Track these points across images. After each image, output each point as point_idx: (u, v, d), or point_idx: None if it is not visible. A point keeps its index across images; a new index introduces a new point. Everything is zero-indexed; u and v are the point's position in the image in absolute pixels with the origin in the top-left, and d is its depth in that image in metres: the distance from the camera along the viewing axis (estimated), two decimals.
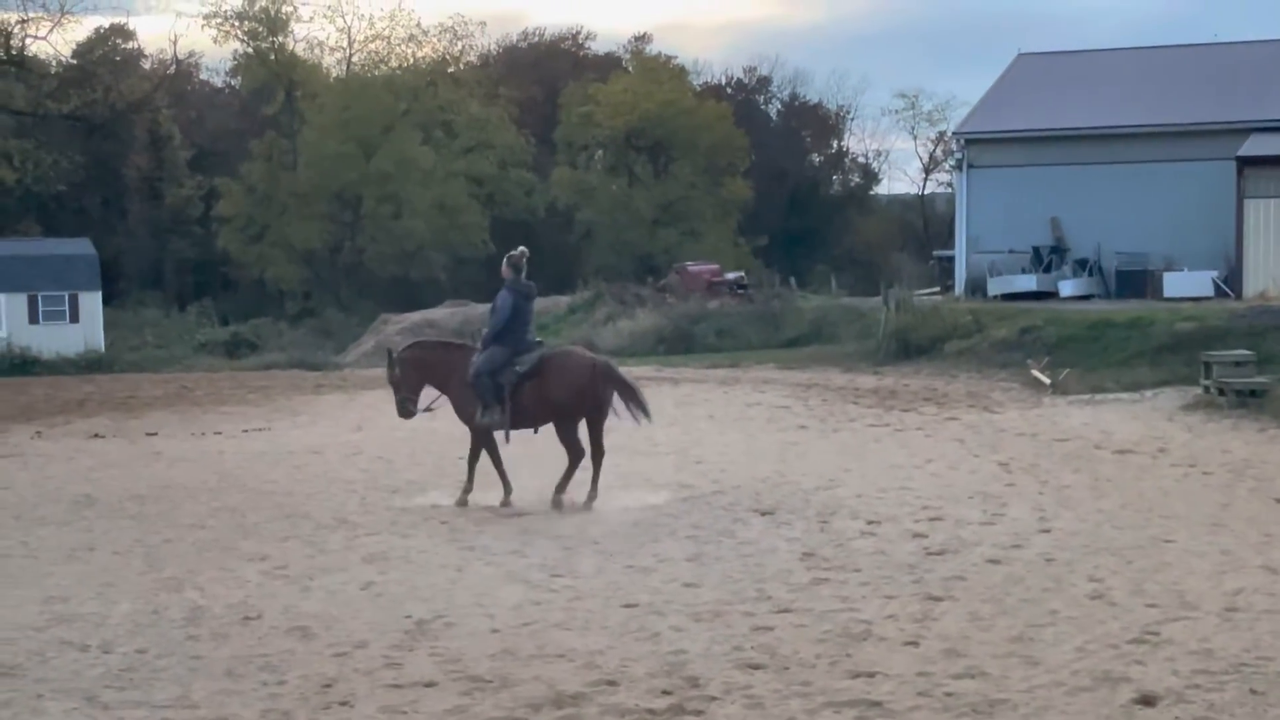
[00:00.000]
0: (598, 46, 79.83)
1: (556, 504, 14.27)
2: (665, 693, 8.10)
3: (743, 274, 47.48)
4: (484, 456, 14.74)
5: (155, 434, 22.17)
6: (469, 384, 14.52)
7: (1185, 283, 32.83)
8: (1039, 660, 8.59)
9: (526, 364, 14.47)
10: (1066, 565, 11.24)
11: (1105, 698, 7.85)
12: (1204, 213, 34.01)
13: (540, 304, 46.58)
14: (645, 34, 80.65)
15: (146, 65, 68.26)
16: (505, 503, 14.38)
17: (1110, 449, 17.92)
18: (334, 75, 68.55)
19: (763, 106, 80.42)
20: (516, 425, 14.53)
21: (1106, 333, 27.56)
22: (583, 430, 14.63)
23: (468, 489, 14.55)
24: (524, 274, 14.63)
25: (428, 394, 15.10)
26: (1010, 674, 8.32)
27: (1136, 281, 34.22)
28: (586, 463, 14.54)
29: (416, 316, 47.06)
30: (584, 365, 14.75)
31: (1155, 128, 35.99)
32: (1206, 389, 21.70)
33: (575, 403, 14.52)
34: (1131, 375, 24.45)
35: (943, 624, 9.50)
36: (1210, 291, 32.36)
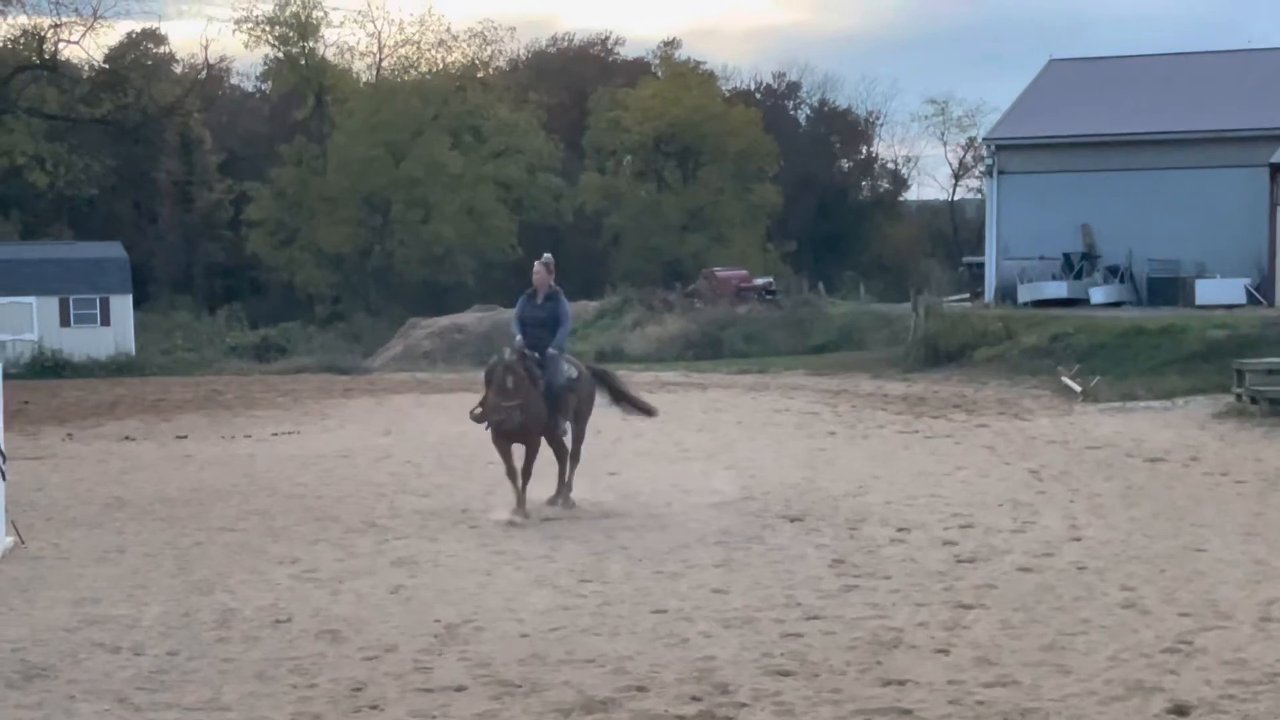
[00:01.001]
0: (627, 52, 79.94)
1: (568, 504, 14.38)
2: (695, 699, 8.08)
3: (771, 280, 47.44)
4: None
5: (185, 437, 22.26)
6: (550, 394, 14.24)
7: (1217, 290, 32.66)
8: (1071, 669, 8.54)
9: (572, 370, 14.58)
10: (1098, 574, 11.18)
11: (1138, 707, 7.79)
12: (1236, 219, 33.82)
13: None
14: (674, 39, 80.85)
15: (178, 70, 68.63)
16: (523, 513, 14.16)
17: (1142, 457, 17.82)
18: (364, 80, 68.76)
19: (792, 112, 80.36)
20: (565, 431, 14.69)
21: (1138, 340, 27.43)
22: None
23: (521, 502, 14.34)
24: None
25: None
26: (1042, 683, 8.27)
27: (1168, 288, 34.05)
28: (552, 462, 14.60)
29: (445, 321, 47.17)
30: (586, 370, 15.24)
31: (1187, 134, 35.82)
32: (1239, 397, 21.55)
33: (592, 404, 15.02)
34: (1163, 383, 24.31)
35: (974, 632, 9.46)
36: (1243, 299, 32.17)
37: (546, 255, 15.04)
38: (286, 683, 8.52)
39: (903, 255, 70.00)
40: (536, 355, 14.19)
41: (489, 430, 14.23)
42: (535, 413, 14.12)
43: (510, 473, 14.20)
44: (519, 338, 14.32)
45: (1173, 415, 21.77)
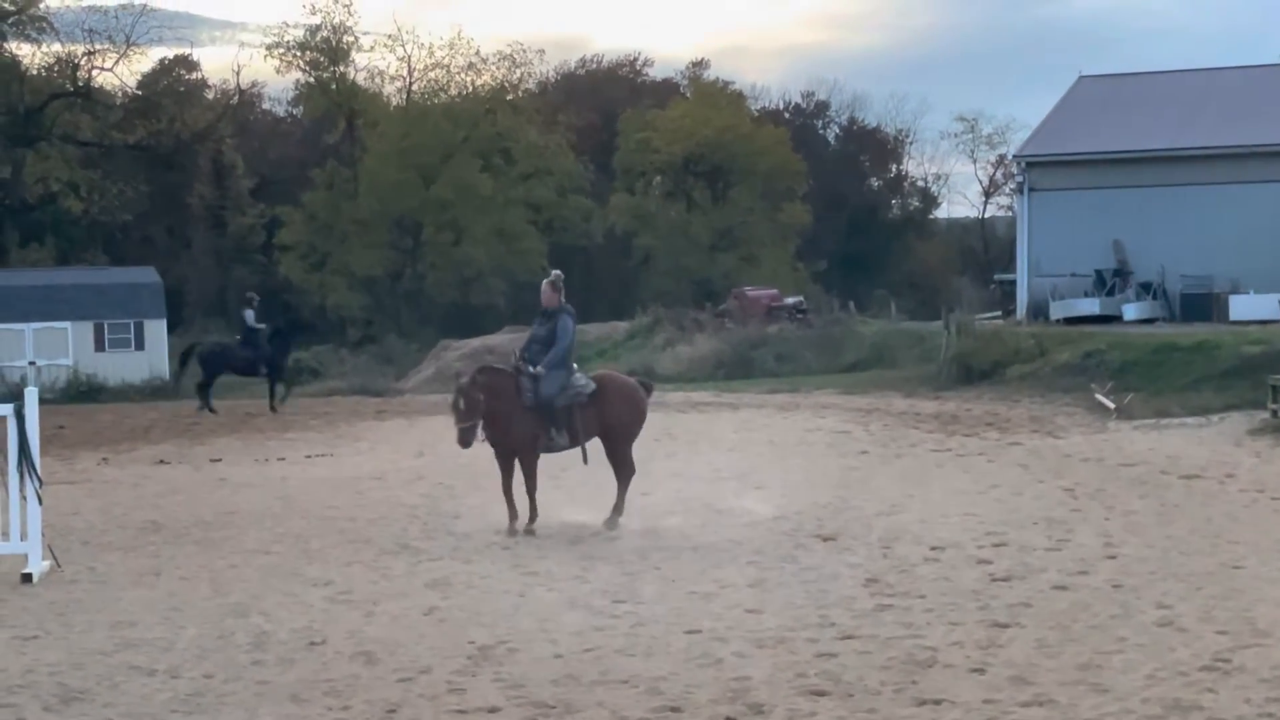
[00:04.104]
0: (655, 72, 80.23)
1: (613, 525, 14.35)
2: (729, 719, 8.06)
3: (802, 298, 47.41)
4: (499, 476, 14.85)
5: (220, 460, 22.35)
6: (532, 409, 14.52)
7: (1251, 305, 32.48)
8: (1108, 688, 8.48)
9: (589, 386, 14.62)
10: (1134, 592, 11.11)
11: None
12: (1270, 234, 33.67)
13: (598, 330, 47.04)
14: (703, 60, 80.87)
15: (210, 95, 69.14)
16: (515, 529, 14.34)
17: (1177, 474, 17.70)
18: (394, 104, 69.09)
19: (821, 131, 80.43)
20: (573, 446, 14.69)
21: (1171, 356, 27.27)
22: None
23: (534, 517, 14.53)
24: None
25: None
26: (1079, 702, 8.22)
27: (1201, 304, 33.90)
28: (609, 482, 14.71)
29: (476, 342, 47.24)
30: (637, 386, 15.30)
31: (1219, 149, 35.68)
32: (1274, 413, 21.41)
33: (638, 422, 14.91)
34: (1197, 399, 24.16)
35: (1009, 651, 9.41)
36: (1277, 314, 31.97)
37: (555, 272, 15.22)
38: (321, 705, 8.54)
39: (933, 273, 69.89)
40: (530, 370, 14.50)
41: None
42: (518, 430, 14.48)
43: (506, 488, 14.57)
44: (516, 353, 14.90)
45: (1207, 432, 21.63)
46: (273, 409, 30.88)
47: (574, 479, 16.02)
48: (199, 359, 32.53)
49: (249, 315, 32.34)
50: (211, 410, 30.61)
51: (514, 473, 14.66)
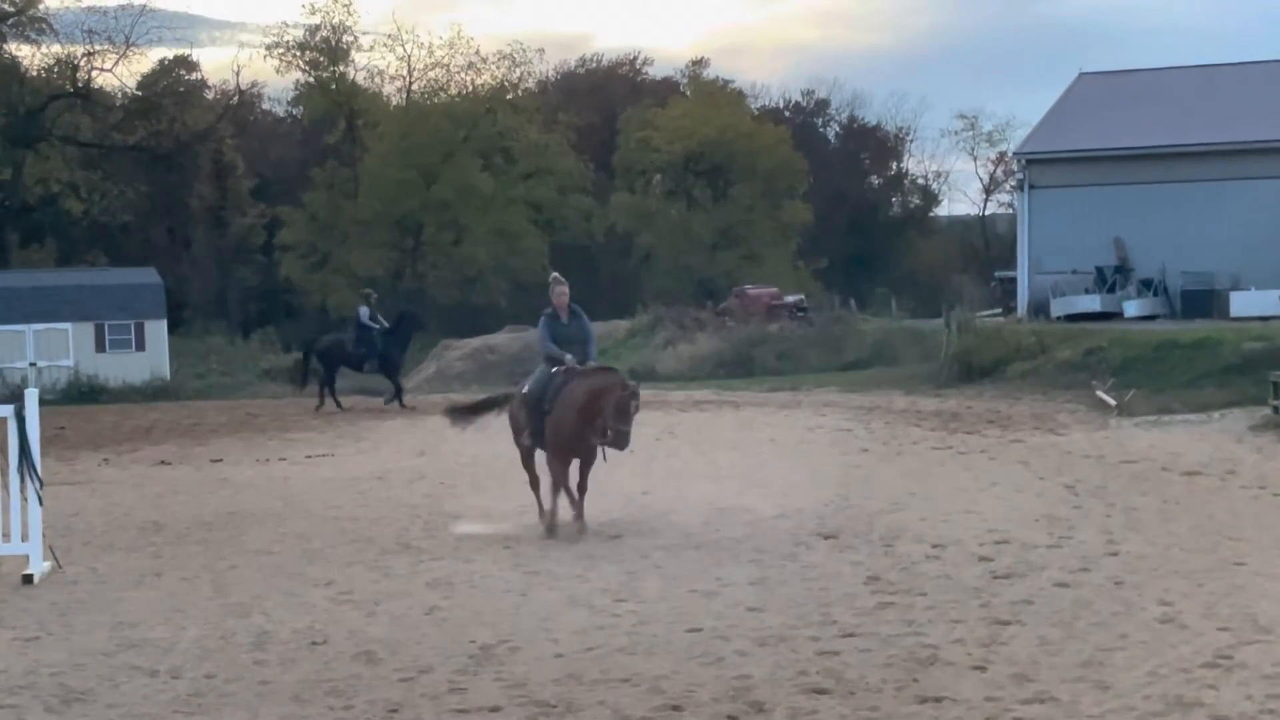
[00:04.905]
0: (655, 71, 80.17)
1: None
2: (730, 718, 8.07)
3: (802, 297, 47.43)
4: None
5: (221, 460, 22.36)
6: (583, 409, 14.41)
7: (1252, 302, 32.46)
8: (1110, 685, 8.48)
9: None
10: (1136, 589, 11.10)
11: None
12: (1271, 231, 33.65)
13: (599, 329, 46.97)
14: (703, 58, 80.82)
15: (210, 96, 69.11)
16: (553, 525, 14.37)
17: (1178, 471, 17.70)
18: (394, 103, 69.07)
19: (821, 129, 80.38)
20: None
21: (1173, 353, 27.27)
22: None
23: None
24: None
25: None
26: (1081, 699, 8.22)
27: (1202, 301, 33.87)
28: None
29: (477, 342, 47.24)
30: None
31: (1219, 146, 35.66)
32: (1276, 409, 21.39)
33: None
34: (1199, 396, 24.15)
35: (1011, 648, 9.41)
36: (1278, 310, 31.93)
37: (558, 275, 15.17)
38: (323, 704, 8.54)
39: (934, 271, 69.85)
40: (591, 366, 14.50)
41: (545, 448, 14.40)
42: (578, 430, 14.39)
43: (562, 487, 14.43)
44: (569, 356, 14.43)
45: (1209, 429, 21.63)
46: (401, 404, 30.57)
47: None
48: (317, 355, 32.25)
49: (363, 312, 32.09)
50: (339, 406, 30.22)
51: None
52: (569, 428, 14.14)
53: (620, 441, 13.93)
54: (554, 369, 14.48)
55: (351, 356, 31.51)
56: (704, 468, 18.79)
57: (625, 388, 14.04)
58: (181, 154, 62.73)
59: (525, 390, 14.78)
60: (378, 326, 31.77)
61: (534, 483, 14.83)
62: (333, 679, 9.07)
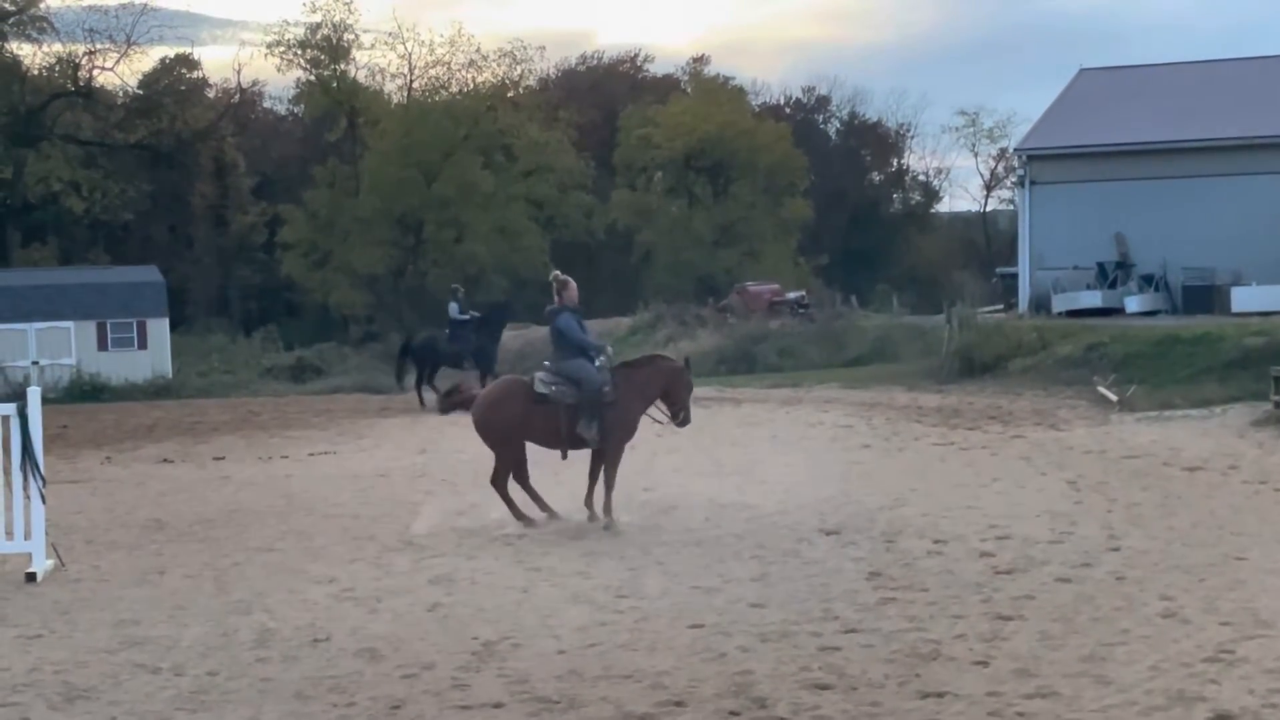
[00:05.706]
0: (656, 69, 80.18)
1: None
2: (733, 714, 8.08)
3: (804, 293, 47.44)
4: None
5: (223, 458, 22.38)
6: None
7: (1254, 297, 32.42)
8: (1111, 680, 8.49)
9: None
10: (1137, 584, 11.11)
11: (1180, 717, 7.75)
12: (1272, 226, 33.60)
13: (600, 326, 47.06)
14: (703, 55, 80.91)
15: (211, 94, 69.07)
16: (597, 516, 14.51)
17: (1180, 466, 17.70)
18: (395, 101, 69.02)
19: (822, 126, 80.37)
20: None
21: (1174, 349, 27.26)
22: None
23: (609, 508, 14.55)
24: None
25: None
26: (1082, 694, 8.23)
27: (1204, 296, 33.83)
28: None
29: None
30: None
31: (1220, 141, 35.62)
32: (1277, 404, 21.39)
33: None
34: (1200, 391, 24.15)
35: (1012, 643, 9.42)
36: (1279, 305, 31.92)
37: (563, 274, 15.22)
38: (325, 701, 8.55)
39: (935, 267, 69.87)
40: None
41: (604, 442, 14.54)
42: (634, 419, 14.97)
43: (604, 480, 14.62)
44: (609, 347, 15.30)
45: (1210, 424, 21.63)
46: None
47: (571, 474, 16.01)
48: (412, 354, 32.10)
49: (453, 307, 31.84)
50: (422, 403, 29.84)
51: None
52: (637, 415, 14.74)
53: (688, 420, 15.15)
54: (598, 362, 14.64)
55: (447, 354, 31.27)
56: (705, 464, 18.79)
57: (688, 369, 15.20)
58: (183, 152, 62.74)
59: (584, 386, 14.42)
60: (469, 319, 31.53)
61: (506, 496, 14.77)
62: (335, 676, 9.09)
